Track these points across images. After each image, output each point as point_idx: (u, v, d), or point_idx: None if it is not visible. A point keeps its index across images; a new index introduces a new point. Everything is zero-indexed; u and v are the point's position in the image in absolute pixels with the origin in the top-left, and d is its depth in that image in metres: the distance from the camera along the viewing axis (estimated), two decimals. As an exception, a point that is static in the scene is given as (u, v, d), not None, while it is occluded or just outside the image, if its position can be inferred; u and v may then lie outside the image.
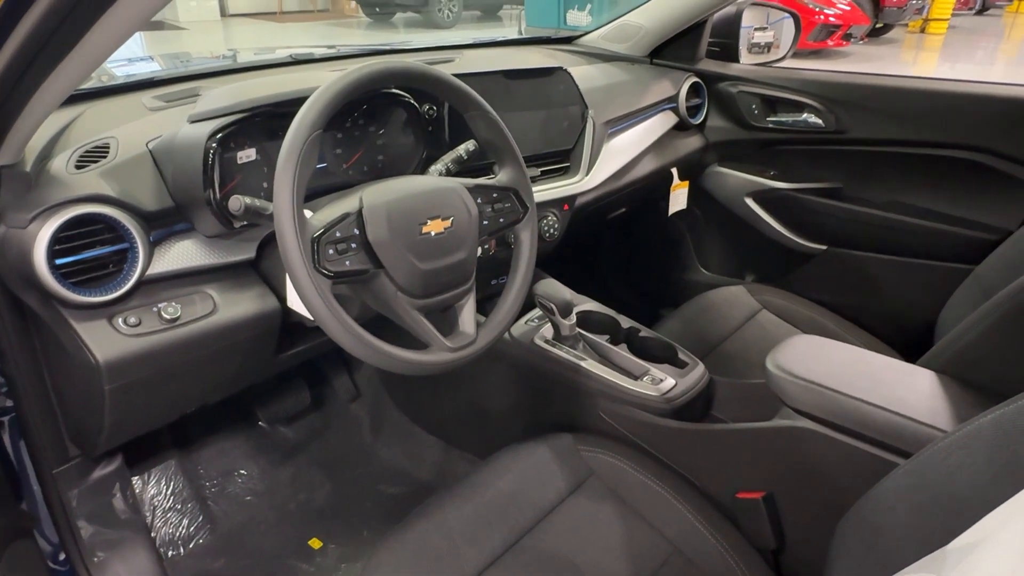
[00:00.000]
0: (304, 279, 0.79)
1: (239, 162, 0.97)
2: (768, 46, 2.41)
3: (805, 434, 0.97)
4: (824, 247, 1.74)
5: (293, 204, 0.78)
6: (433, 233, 0.90)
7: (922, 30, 11.73)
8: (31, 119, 0.75)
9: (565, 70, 1.39)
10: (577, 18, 8.81)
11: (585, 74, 1.48)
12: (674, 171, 1.77)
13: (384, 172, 1.16)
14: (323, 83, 0.84)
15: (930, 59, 9.39)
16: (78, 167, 0.91)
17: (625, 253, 2.18)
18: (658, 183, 1.75)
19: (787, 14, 1.94)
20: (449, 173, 1.09)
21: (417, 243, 0.88)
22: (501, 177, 1.03)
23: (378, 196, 0.88)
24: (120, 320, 0.89)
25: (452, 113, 1.23)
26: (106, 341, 0.87)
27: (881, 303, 1.64)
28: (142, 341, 0.89)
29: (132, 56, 1.61)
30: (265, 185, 1.02)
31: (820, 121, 1.66)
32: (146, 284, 0.92)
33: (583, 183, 1.41)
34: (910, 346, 1.45)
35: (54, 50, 0.63)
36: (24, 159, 0.87)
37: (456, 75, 0.98)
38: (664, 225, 1.94)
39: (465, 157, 1.09)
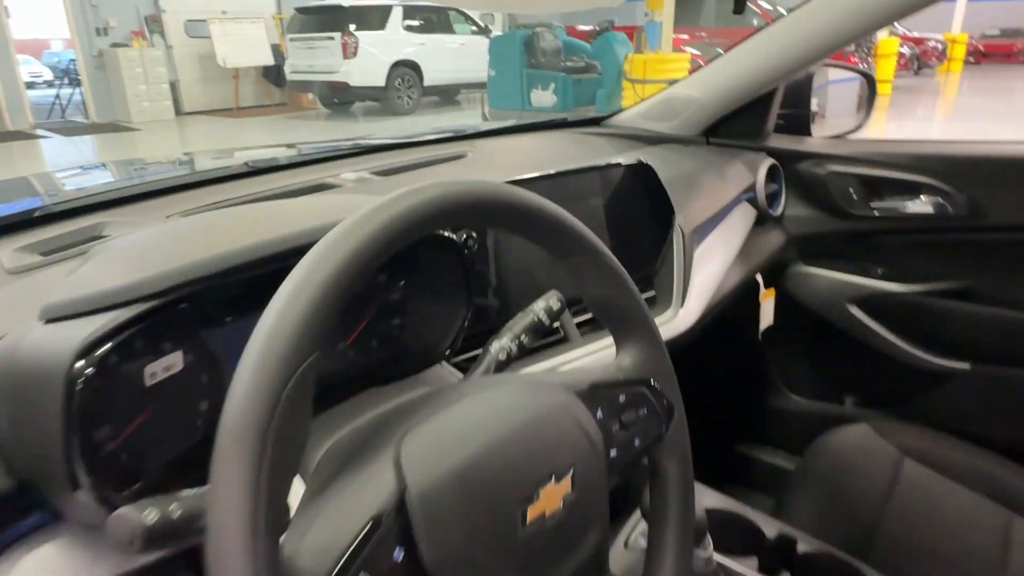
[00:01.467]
0: None
1: (149, 383, 0.51)
2: (813, 117, 2.08)
3: None
4: (966, 365, 1.33)
5: (255, 543, 0.33)
6: (546, 516, 0.45)
7: (868, 92, 12.12)
8: None
9: (647, 164, 0.99)
10: (541, 98, 8.72)
11: (657, 165, 1.08)
12: (759, 278, 1.37)
13: (409, 348, 0.71)
14: (330, 226, 0.40)
15: (880, 118, 9.64)
16: None
17: (690, 381, 1.74)
18: (743, 296, 1.34)
19: (858, 76, 1.61)
20: (522, 352, 0.65)
21: (521, 547, 0.43)
22: (625, 360, 0.59)
23: (436, 458, 0.43)
24: None
25: (498, 245, 0.81)
26: None
27: None
28: None
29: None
30: (204, 408, 0.56)
31: (944, 205, 1.29)
32: None
33: (679, 321, 0.99)
34: None
35: None
36: None
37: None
38: (741, 341, 1.52)
39: (547, 322, 0.65)
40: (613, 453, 0.55)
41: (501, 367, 0.64)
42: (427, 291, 0.72)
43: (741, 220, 1.30)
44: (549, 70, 8.53)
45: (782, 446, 1.61)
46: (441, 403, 0.49)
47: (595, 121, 1.59)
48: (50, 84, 11.96)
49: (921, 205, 1.31)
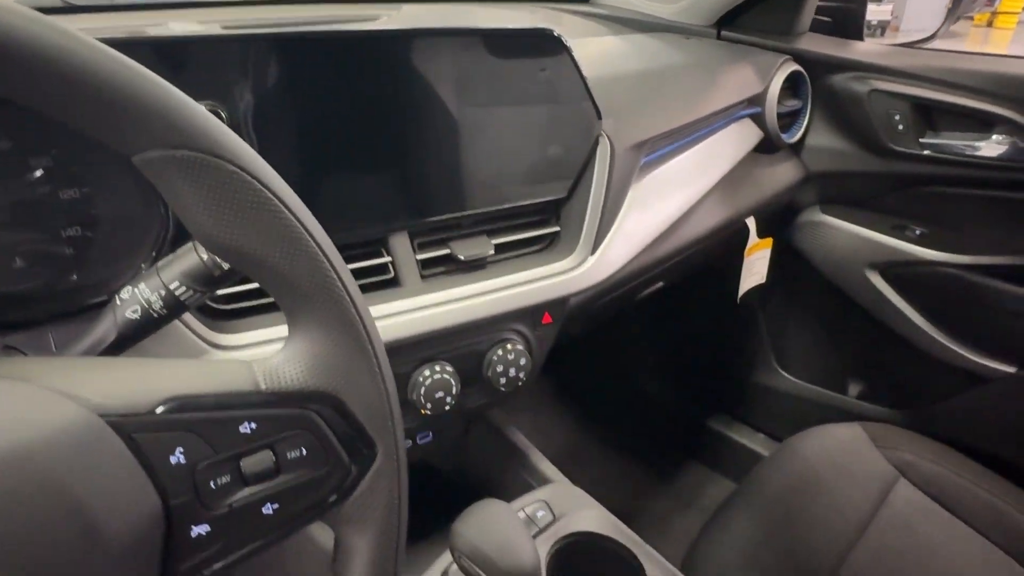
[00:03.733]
0: None
1: None
2: (882, 27, 1.66)
3: None
4: (1011, 368, 1.00)
5: None
6: None
7: (989, 24, 10.74)
8: None
9: (556, 37, 0.67)
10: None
11: (601, 52, 0.76)
12: (750, 222, 1.04)
13: (61, 278, 0.46)
14: None
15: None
16: None
17: (661, 338, 1.45)
18: (723, 243, 1.02)
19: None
20: (175, 310, 0.38)
21: None
22: (291, 366, 0.32)
23: None
24: None
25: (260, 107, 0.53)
26: None
27: None
28: None
29: None
30: None
31: (1024, 149, 0.93)
32: None
33: (583, 271, 0.69)
34: None
35: None
36: None
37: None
38: (726, 303, 1.21)
39: (225, 265, 0.38)
40: (200, 531, 0.29)
41: (136, 333, 0.38)
42: (96, 189, 0.46)
43: (735, 142, 0.97)
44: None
45: (763, 430, 1.33)
46: None
47: (579, -4, 1.25)
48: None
49: (991, 147, 0.95)
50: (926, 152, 0.99)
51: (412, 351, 0.62)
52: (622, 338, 1.46)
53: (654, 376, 1.46)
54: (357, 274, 0.59)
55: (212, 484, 0.29)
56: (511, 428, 0.83)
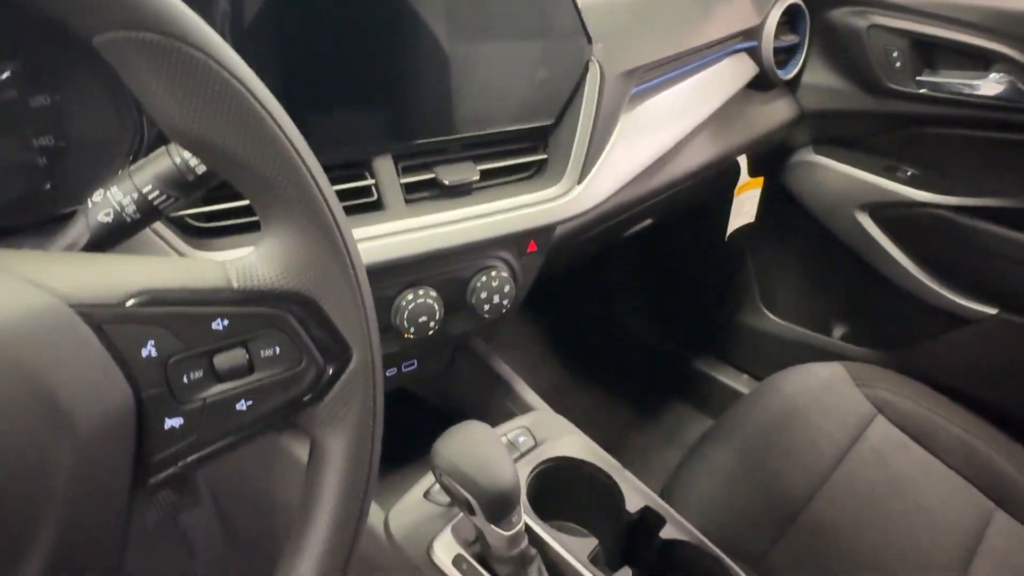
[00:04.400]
0: None
1: None
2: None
3: None
4: (993, 310, 1.01)
5: None
6: None
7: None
8: None
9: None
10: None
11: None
12: (742, 160, 1.03)
13: (31, 186, 0.45)
14: None
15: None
16: None
17: (650, 278, 1.45)
18: (712, 181, 1.01)
19: None
20: (148, 216, 0.38)
21: None
22: (263, 265, 0.31)
23: None
24: None
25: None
26: None
27: None
28: None
29: None
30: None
31: (1022, 89, 0.91)
32: None
33: (570, 200, 0.69)
34: None
35: None
36: None
37: None
38: (714, 243, 1.21)
39: (194, 174, 0.37)
40: (173, 424, 0.29)
41: (108, 237, 0.38)
42: (68, 97, 0.45)
43: (729, 76, 0.95)
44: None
45: (747, 370, 1.35)
46: None
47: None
48: None
49: (988, 86, 0.94)
50: (922, 91, 0.98)
51: (395, 275, 0.62)
52: (609, 278, 1.46)
53: (640, 316, 1.47)
54: (340, 196, 0.58)
55: (185, 379, 0.29)
56: (496, 358, 0.84)
